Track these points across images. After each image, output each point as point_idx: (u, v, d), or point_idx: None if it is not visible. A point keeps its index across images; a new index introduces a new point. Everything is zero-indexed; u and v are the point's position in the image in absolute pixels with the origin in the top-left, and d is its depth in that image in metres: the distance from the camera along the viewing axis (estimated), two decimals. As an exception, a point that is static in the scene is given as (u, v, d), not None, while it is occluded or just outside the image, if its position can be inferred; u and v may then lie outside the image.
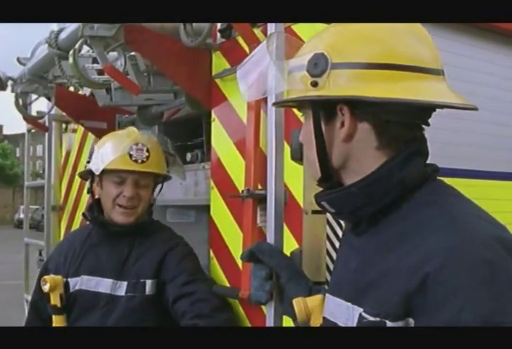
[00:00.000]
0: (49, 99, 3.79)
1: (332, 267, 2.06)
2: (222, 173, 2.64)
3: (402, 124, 1.24)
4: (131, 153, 2.57)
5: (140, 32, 2.51)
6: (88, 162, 2.64)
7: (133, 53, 2.95)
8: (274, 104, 1.55)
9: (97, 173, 2.60)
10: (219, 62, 2.71)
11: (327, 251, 2.06)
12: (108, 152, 2.61)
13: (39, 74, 3.54)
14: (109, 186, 2.60)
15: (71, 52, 2.56)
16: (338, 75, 1.22)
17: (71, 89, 4.02)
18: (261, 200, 2.29)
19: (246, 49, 2.54)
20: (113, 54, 2.78)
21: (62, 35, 2.87)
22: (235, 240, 2.49)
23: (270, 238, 1.85)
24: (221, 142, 2.70)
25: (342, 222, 2.05)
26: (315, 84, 1.24)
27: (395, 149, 1.25)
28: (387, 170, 1.23)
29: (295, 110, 2.27)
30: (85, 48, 3.57)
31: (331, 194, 1.30)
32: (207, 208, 2.80)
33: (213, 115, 2.77)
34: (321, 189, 1.40)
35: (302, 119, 1.44)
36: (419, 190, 1.24)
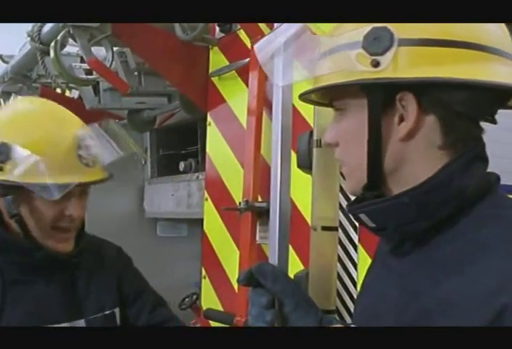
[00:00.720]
0: (32, 100, 3.51)
1: (343, 293, 1.77)
2: (217, 183, 2.38)
3: (471, 119, 1.05)
4: (80, 153, 1.57)
5: (129, 23, 2.24)
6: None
7: (123, 49, 2.69)
8: (302, 95, 1.26)
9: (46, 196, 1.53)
10: (217, 59, 2.46)
11: (338, 274, 1.78)
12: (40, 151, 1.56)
13: (23, 73, 3.28)
14: (41, 203, 1.57)
15: (52, 44, 2.30)
16: (404, 54, 1.03)
17: (59, 91, 3.76)
18: (261, 214, 2.04)
19: (248, 43, 2.28)
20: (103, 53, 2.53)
21: (45, 29, 2.60)
22: (230, 258, 2.23)
23: (273, 258, 1.57)
24: (217, 148, 2.44)
25: (355, 240, 1.77)
26: (376, 64, 1.03)
27: (460, 150, 1.05)
28: (447, 176, 1.03)
29: (303, 112, 2.03)
30: (73, 47, 3.34)
31: (374, 204, 1.07)
32: (201, 221, 2.56)
33: (209, 119, 2.50)
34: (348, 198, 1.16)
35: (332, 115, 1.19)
36: (481, 202, 1.02)
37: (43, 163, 1.50)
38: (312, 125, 1.89)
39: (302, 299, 1.49)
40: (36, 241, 1.62)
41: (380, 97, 1.05)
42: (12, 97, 3.51)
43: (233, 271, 2.17)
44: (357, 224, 1.77)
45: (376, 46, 1.04)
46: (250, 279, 1.52)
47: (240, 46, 2.32)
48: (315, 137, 1.78)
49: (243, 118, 2.28)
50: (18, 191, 1.55)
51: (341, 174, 1.21)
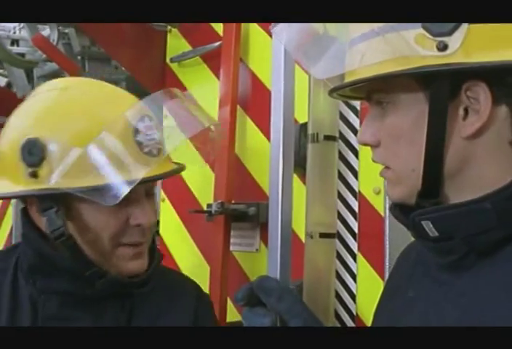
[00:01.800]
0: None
1: (339, 309, 1.56)
2: (177, 182, 2.11)
3: None
4: (138, 139, 1.17)
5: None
6: (33, 175, 1.17)
7: (66, 30, 2.38)
8: (333, 90, 1.03)
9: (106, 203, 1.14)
10: (175, 43, 2.20)
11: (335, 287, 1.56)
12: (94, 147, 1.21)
13: None
14: (96, 212, 1.18)
15: (-13, 19, 1.96)
16: (477, 34, 0.88)
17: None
18: (236, 217, 1.80)
19: (216, 27, 2.03)
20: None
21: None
22: (194, 268, 1.99)
23: (274, 272, 1.33)
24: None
25: (354, 249, 1.56)
26: (443, 47, 0.88)
27: None
28: None
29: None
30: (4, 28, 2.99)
31: (445, 210, 0.93)
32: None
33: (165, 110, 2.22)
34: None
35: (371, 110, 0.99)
36: None
37: (90, 159, 1.12)
38: (298, 119, 1.69)
39: (311, 319, 1.29)
40: (93, 265, 1.19)
41: (447, 87, 0.90)
42: None
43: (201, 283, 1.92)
44: (356, 231, 1.56)
45: (441, 24, 0.88)
46: (251, 297, 1.29)
47: (205, 29, 2.07)
48: (310, 131, 1.56)
49: (208, 109, 2.02)
50: (62, 202, 1.15)
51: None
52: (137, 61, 2.22)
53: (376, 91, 0.98)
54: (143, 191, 1.21)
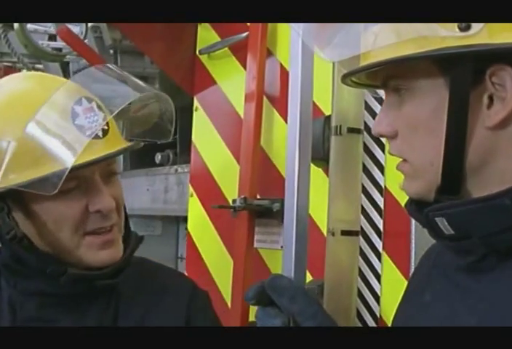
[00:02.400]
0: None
1: (364, 311, 1.49)
2: (205, 177, 2.09)
3: None
4: (77, 123, 1.11)
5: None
6: None
7: (97, 24, 2.36)
8: (347, 76, 0.96)
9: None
10: (205, 35, 2.16)
11: (358, 288, 1.49)
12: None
13: (-18, 51, 2.92)
14: (52, 203, 1.13)
15: (15, 12, 1.95)
16: None
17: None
18: (261, 213, 1.75)
19: (245, 17, 1.98)
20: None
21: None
22: (220, 263, 1.94)
23: (288, 270, 1.27)
24: (205, 137, 2.14)
25: (379, 248, 1.48)
26: (466, 27, 0.81)
27: None
28: None
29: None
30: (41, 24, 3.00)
31: (460, 206, 0.85)
32: (176, 219, 2.26)
33: (196, 103, 2.20)
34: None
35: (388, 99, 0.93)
36: None
37: (32, 150, 1.08)
38: (324, 111, 1.63)
39: (327, 321, 1.21)
40: (53, 263, 1.15)
41: (470, 71, 0.82)
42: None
43: (223, 279, 1.88)
44: (381, 229, 1.49)
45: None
46: (262, 296, 1.23)
47: (235, 21, 2.02)
48: (333, 123, 1.49)
49: (237, 102, 1.99)
50: (16, 202, 1.14)
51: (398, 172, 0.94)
52: (168, 55, 2.20)
53: (392, 77, 0.91)
54: (98, 175, 1.15)
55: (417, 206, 0.92)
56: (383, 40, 0.88)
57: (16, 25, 1.95)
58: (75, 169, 1.07)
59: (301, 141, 1.29)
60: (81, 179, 1.13)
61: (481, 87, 0.81)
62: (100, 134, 1.13)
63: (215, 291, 1.91)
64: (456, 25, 0.80)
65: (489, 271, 0.86)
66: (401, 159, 0.92)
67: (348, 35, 0.95)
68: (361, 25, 0.92)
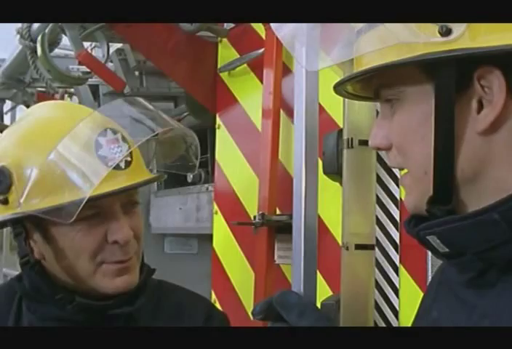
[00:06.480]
0: (28, 106, 3.24)
1: (381, 324, 1.46)
2: (228, 194, 2.09)
3: None
4: (100, 153, 1.14)
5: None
6: (3, 202, 1.17)
7: (121, 45, 2.41)
8: (338, 85, 0.96)
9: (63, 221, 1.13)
10: (226, 54, 2.18)
11: (375, 302, 1.46)
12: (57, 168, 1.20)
13: (15, 77, 3.00)
14: (72, 231, 1.16)
15: (39, 38, 2.02)
16: None
17: (57, 97, 3.49)
18: (281, 229, 1.74)
19: (262, 34, 1.99)
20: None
21: (36, 24, 2.32)
22: (244, 280, 1.94)
23: (298, 285, 1.25)
24: (228, 154, 2.15)
25: (396, 261, 1.46)
26: (447, 32, 0.79)
27: None
28: None
29: (328, 109, 1.74)
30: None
31: (450, 223, 0.82)
32: (211, 237, 2.27)
33: (218, 121, 2.22)
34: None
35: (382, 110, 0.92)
36: None
37: (52, 179, 1.11)
38: (339, 124, 1.62)
39: (336, 338, 1.19)
40: (62, 290, 1.17)
41: (453, 76, 0.81)
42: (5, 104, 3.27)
43: (247, 296, 1.87)
44: (397, 241, 1.46)
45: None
46: (269, 311, 1.21)
47: (253, 38, 2.04)
48: (345, 136, 1.48)
49: (257, 118, 1.99)
50: (37, 227, 1.16)
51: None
52: (190, 74, 2.23)
53: (383, 87, 0.90)
54: (118, 206, 1.17)
55: (416, 225, 0.90)
56: (366, 47, 0.87)
57: (39, 51, 2.00)
58: (94, 198, 1.09)
59: (307, 155, 1.28)
60: (100, 209, 1.15)
61: (470, 92, 0.80)
62: (123, 165, 1.15)
63: (239, 306, 1.91)
64: (436, 30, 0.78)
65: (491, 286, 0.83)
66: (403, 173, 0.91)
67: (341, 42, 0.95)
68: (353, 33, 0.91)
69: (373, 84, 0.92)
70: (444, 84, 0.81)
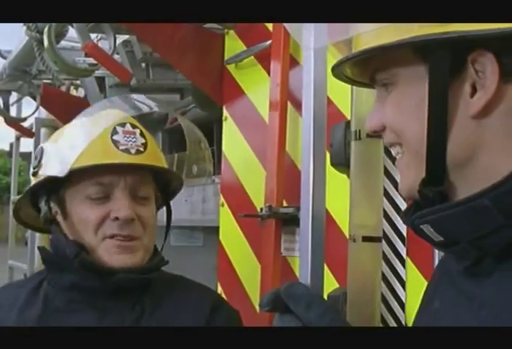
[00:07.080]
0: (34, 98, 3.25)
1: (389, 318, 1.46)
2: (235, 186, 2.09)
3: None
4: (115, 138, 1.32)
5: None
6: (33, 174, 1.39)
7: (127, 37, 2.40)
8: (336, 67, 0.96)
9: (59, 175, 1.33)
10: (233, 45, 2.17)
11: (382, 294, 1.46)
12: (71, 143, 1.37)
13: (21, 68, 3.00)
14: (81, 206, 1.33)
15: (46, 29, 2.01)
16: None
17: (63, 89, 3.49)
18: (287, 221, 1.75)
19: (269, 26, 1.98)
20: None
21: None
22: (250, 273, 1.94)
23: (305, 277, 1.25)
24: (234, 146, 2.15)
25: (403, 254, 1.46)
26: None
27: None
28: None
29: (336, 102, 1.73)
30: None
31: (441, 211, 0.82)
32: (217, 229, 2.28)
33: (225, 113, 2.21)
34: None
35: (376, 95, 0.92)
36: None
37: (68, 151, 1.33)
38: (347, 116, 1.61)
39: (343, 329, 1.19)
40: (98, 261, 1.32)
41: (447, 58, 0.81)
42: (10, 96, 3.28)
43: (253, 288, 1.87)
44: (405, 234, 1.46)
45: None
46: (276, 304, 1.21)
47: (260, 29, 2.03)
48: (353, 128, 1.47)
49: (264, 110, 1.99)
50: (54, 194, 1.37)
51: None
52: (196, 66, 2.22)
53: (378, 70, 0.90)
54: (123, 187, 1.33)
55: (414, 213, 0.90)
56: (363, 27, 0.87)
57: (46, 42, 2.00)
58: (98, 171, 1.31)
59: (315, 147, 1.28)
60: (107, 187, 1.32)
61: (464, 75, 0.80)
62: (133, 151, 1.33)
63: (245, 299, 1.92)
64: None
65: (488, 275, 0.83)
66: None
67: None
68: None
69: (370, 68, 0.92)
70: (438, 67, 0.81)
